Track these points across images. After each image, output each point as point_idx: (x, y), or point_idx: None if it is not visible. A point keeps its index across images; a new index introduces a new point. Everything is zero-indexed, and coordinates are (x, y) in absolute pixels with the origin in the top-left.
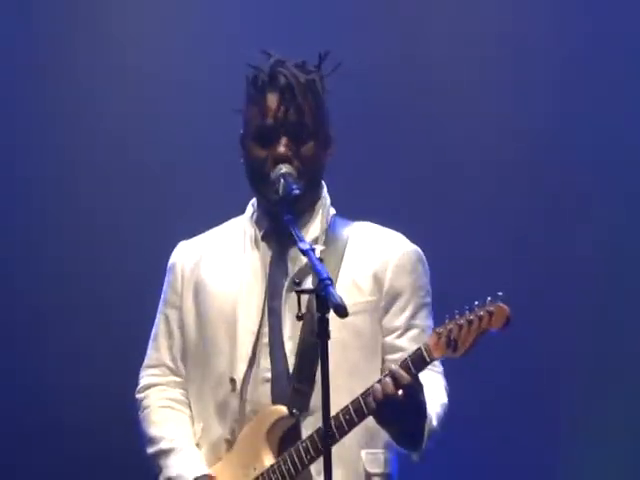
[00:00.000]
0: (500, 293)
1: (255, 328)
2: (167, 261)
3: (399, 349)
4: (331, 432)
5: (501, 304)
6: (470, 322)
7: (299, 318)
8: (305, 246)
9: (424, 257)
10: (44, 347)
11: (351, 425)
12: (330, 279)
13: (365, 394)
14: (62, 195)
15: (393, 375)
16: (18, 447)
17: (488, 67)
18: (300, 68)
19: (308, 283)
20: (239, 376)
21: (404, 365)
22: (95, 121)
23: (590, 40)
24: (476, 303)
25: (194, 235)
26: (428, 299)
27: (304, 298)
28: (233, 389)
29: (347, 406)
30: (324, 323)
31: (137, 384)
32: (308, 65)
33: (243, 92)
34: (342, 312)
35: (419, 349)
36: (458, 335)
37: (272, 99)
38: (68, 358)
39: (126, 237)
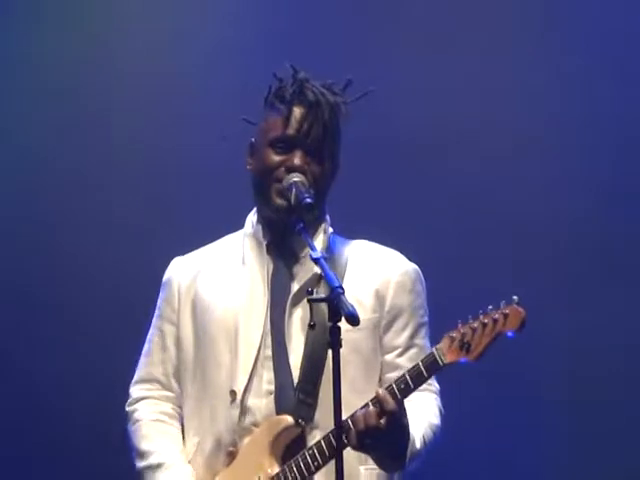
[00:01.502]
0: (515, 297)
1: (257, 341)
2: (160, 276)
3: (398, 367)
4: (341, 441)
5: (516, 306)
6: (484, 325)
7: (311, 327)
8: (317, 254)
9: (422, 275)
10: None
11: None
12: (342, 287)
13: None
14: (59, 205)
15: (379, 402)
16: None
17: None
18: (327, 88)
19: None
20: (239, 388)
21: (390, 390)
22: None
23: None
24: (490, 307)
25: (189, 251)
26: (426, 318)
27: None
28: (233, 400)
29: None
30: (336, 332)
31: (128, 397)
32: (334, 87)
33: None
34: (354, 321)
35: (432, 353)
36: (472, 338)
37: (298, 112)
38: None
39: (119, 251)
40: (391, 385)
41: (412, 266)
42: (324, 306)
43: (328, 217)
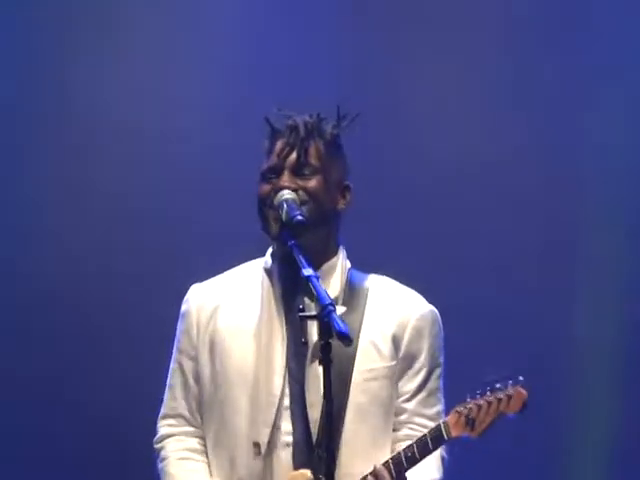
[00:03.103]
0: (521, 378)
1: (278, 392)
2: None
3: (404, 411)
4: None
5: (519, 388)
6: (489, 403)
7: (304, 344)
8: (308, 272)
9: (439, 317)
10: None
11: None
12: (333, 305)
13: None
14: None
15: (376, 476)
16: None
17: None
18: (309, 116)
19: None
20: (264, 440)
21: (397, 458)
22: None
23: None
24: (497, 385)
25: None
26: (441, 359)
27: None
28: (258, 453)
29: None
30: (327, 349)
31: (156, 433)
32: (321, 115)
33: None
34: (345, 339)
35: (438, 426)
36: (477, 415)
37: (279, 144)
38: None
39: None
40: (399, 454)
41: (429, 308)
42: (339, 346)
43: (344, 253)
